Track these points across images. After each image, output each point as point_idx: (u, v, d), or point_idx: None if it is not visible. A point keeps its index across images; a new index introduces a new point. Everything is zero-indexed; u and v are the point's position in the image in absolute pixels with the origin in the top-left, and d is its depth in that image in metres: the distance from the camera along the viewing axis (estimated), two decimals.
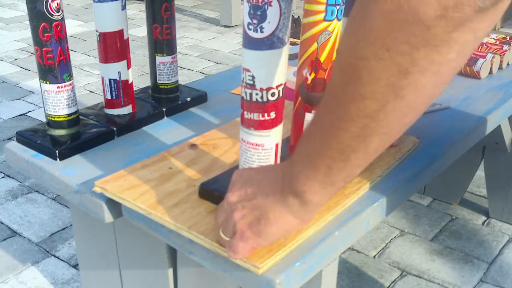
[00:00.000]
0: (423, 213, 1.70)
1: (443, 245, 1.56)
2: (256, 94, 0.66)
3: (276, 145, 0.71)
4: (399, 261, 1.49)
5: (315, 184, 0.56)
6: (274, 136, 0.70)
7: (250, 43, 0.64)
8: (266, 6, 0.62)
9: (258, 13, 0.62)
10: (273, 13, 0.62)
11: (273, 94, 0.66)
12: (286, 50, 0.65)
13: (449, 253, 1.52)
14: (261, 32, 0.63)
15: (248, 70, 0.65)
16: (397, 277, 1.44)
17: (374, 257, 1.51)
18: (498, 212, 1.66)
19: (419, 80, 0.45)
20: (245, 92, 0.67)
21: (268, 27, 0.62)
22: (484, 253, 1.52)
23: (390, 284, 1.41)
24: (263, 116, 0.68)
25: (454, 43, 0.43)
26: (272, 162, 0.71)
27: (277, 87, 0.66)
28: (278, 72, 0.65)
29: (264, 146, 0.70)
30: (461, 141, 0.98)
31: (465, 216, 1.69)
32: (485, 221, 1.67)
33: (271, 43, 0.63)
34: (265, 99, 0.66)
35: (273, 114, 0.68)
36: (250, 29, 0.63)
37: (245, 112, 0.68)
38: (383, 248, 1.54)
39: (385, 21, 0.43)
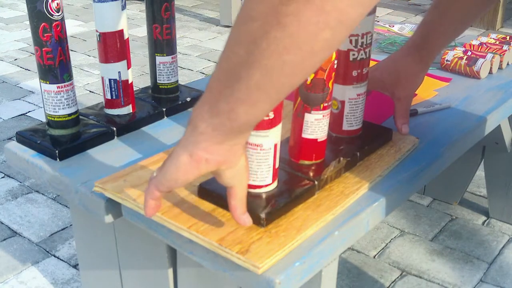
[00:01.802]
0: (423, 213, 1.70)
1: (443, 245, 1.56)
2: None
3: (275, 146, 0.71)
4: (399, 261, 1.49)
5: (204, 109, 0.56)
6: (273, 137, 0.70)
7: None
8: None
9: None
10: None
11: None
12: None
13: (449, 253, 1.52)
14: None
15: None
16: (397, 277, 1.44)
17: (374, 257, 1.51)
18: (498, 212, 1.66)
19: (301, 11, 0.44)
20: None
21: None
22: (484, 253, 1.52)
23: (390, 284, 1.41)
24: None
25: None
26: (271, 162, 0.71)
27: None
28: None
29: (262, 146, 0.70)
30: (461, 141, 0.98)
31: (465, 216, 1.69)
32: (485, 221, 1.67)
33: None
34: None
35: (271, 114, 0.68)
36: None
37: None
38: (383, 248, 1.54)
39: None
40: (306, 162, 0.80)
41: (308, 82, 0.74)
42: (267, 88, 0.51)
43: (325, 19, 0.45)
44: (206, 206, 0.73)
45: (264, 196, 0.72)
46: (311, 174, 0.78)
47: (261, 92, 0.51)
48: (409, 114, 0.95)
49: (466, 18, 0.94)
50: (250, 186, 0.72)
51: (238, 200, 0.64)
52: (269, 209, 0.69)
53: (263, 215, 0.68)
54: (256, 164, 0.71)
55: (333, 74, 0.75)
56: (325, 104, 0.77)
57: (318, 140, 0.79)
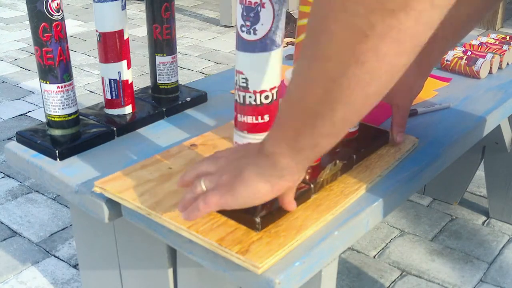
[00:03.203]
0: (423, 213, 1.70)
1: (443, 245, 1.56)
2: (250, 97, 0.66)
3: None
4: (399, 261, 1.49)
5: (283, 146, 0.57)
6: None
7: (243, 45, 0.64)
8: (259, 8, 0.61)
9: (251, 15, 0.62)
10: (266, 15, 0.61)
11: (266, 97, 0.66)
12: (280, 52, 0.65)
13: (449, 253, 1.52)
14: (254, 34, 0.63)
15: (241, 73, 0.65)
16: (397, 277, 1.44)
17: (374, 257, 1.51)
18: (498, 212, 1.66)
19: (378, 46, 0.45)
20: (239, 95, 0.67)
21: (261, 29, 0.62)
22: (484, 253, 1.52)
23: (390, 284, 1.41)
24: (256, 119, 0.67)
25: (410, 9, 0.43)
26: None
27: (270, 90, 0.66)
28: (271, 74, 0.65)
29: None
30: (461, 141, 0.98)
31: (465, 216, 1.69)
32: (485, 221, 1.67)
33: (264, 45, 0.63)
34: (258, 102, 0.66)
35: (266, 117, 0.67)
36: (243, 31, 0.63)
37: (239, 115, 0.68)
38: (383, 248, 1.54)
39: None
40: None
41: None
42: (352, 119, 0.53)
43: (402, 49, 0.46)
44: None
45: None
46: (307, 177, 0.77)
47: (346, 123, 0.53)
48: (406, 123, 0.94)
49: (465, 23, 0.94)
50: None
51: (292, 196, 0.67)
52: (264, 212, 0.69)
53: (258, 219, 0.68)
54: None
55: None
56: None
57: None
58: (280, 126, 0.57)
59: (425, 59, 0.94)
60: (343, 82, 0.48)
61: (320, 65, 0.48)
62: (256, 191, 0.61)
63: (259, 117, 0.67)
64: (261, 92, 0.66)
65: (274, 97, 0.67)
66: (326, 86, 0.49)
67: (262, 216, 0.68)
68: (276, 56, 0.64)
